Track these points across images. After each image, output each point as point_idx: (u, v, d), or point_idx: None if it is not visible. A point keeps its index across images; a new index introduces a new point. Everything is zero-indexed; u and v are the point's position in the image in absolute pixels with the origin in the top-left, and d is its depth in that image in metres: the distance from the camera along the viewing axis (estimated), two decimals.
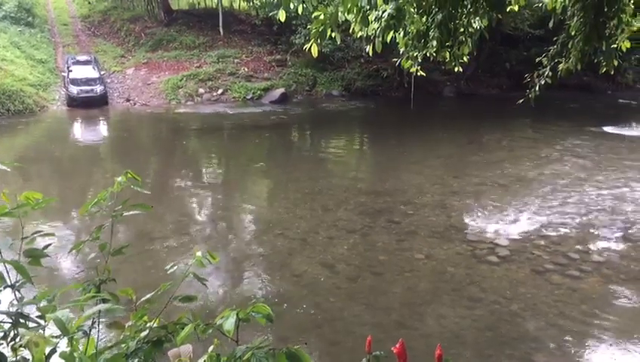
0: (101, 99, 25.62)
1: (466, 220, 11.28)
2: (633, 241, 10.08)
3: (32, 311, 1.94)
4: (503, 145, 18.95)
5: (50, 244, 2.24)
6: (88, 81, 25.60)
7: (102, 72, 27.56)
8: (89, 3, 36.56)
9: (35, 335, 1.61)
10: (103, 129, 23.73)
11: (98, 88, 25.69)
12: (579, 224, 10.92)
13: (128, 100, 27.13)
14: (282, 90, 28.79)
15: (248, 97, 28.40)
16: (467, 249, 9.84)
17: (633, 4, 6.56)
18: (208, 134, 22.44)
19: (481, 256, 9.50)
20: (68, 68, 26.35)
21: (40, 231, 2.20)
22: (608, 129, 20.75)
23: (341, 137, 22.52)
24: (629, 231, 10.58)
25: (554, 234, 10.43)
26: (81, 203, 2.33)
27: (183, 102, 27.39)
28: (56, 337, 1.78)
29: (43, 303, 1.91)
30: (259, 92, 28.71)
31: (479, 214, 11.52)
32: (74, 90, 25.15)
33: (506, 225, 10.87)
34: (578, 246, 9.84)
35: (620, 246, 9.90)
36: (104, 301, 2.00)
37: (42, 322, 1.88)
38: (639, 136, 20.31)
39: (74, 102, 25.08)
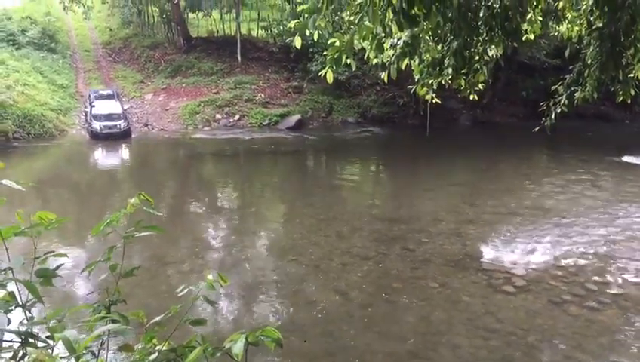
0: (124, 135, 24.89)
1: (482, 249, 11.17)
2: None
3: (42, 331, 1.94)
4: (520, 174, 18.82)
5: (61, 265, 2.24)
6: (111, 117, 24.78)
7: (125, 107, 26.95)
8: (110, 30, 37.33)
9: (41, 354, 1.60)
10: (120, 153, 23.95)
11: (122, 124, 24.85)
12: (597, 254, 10.74)
13: (146, 125, 27.43)
14: (298, 116, 28.95)
15: (265, 123, 28.59)
16: (483, 278, 9.71)
17: None
18: (224, 159, 22.59)
19: (497, 286, 9.37)
20: (90, 103, 25.59)
21: (53, 252, 2.21)
22: (627, 159, 20.52)
23: (356, 164, 22.54)
24: None
25: (571, 264, 10.27)
26: (96, 225, 2.34)
27: (200, 128, 27.64)
28: (64, 358, 1.77)
29: (52, 323, 1.91)
30: (275, 118, 28.89)
31: (495, 243, 11.40)
32: (97, 126, 24.32)
33: (523, 254, 10.73)
34: (596, 277, 9.67)
35: (639, 278, 9.72)
36: (114, 322, 1.99)
37: (51, 342, 1.87)
38: None
39: (97, 138, 24.35)
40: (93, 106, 25.19)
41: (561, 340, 7.63)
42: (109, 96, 26.48)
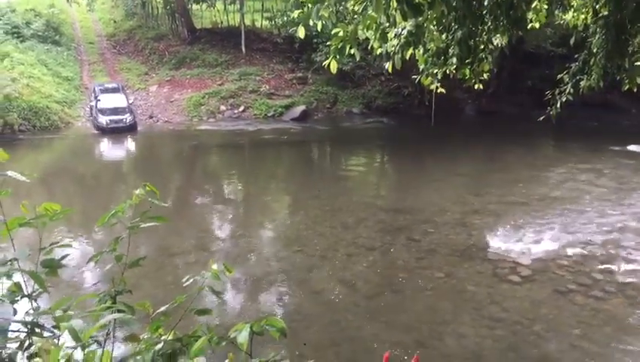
0: (130, 128, 24.76)
1: (487, 239, 11.15)
2: None
3: (47, 321, 1.96)
4: (525, 164, 18.75)
5: (67, 255, 2.25)
6: (117, 111, 24.59)
7: (130, 100, 26.73)
8: (114, 22, 37.31)
9: (47, 343, 1.62)
10: (126, 145, 23.98)
11: (128, 118, 24.70)
12: (602, 244, 10.72)
13: (151, 117, 27.47)
14: (303, 107, 28.92)
15: (269, 114, 28.58)
16: (488, 268, 9.72)
17: None
18: (229, 151, 22.61)
19: (503, 276, 9.37)
20: (96, 97, 25.37)
21: (58, 242, 2.22)
22: (632, 148, 20.41)
23: (361, 155, 22.52)
24: None
25: (577, 253, 10.25)
26: (101, 216, 2.35)
27: (204, 120, 27.66)
28: (70, 347, 1.79)
29: (58, 313, 1.92)
30: (280, 109, 28.87)
31: (500, 233, 11.39)
32: (103, 120, 24.20)
33: (528, 244, 10.72)
34: (602, 267, 9.65)
35: None
36: (119, 312, 2.00)
37: (57, 332, 1.89)
38: None
39: (103, 132, 24.23)
40: (99, 100, 25.00)
41: (566, 329, 7.63)
42: (114, 90, 26.31)
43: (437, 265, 9.88)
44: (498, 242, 10.90)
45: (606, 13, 6.25)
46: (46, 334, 1.89)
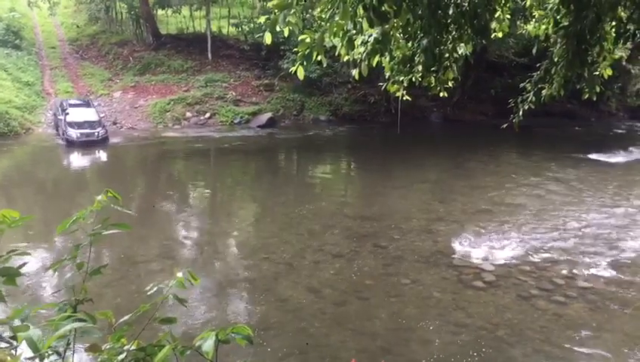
0: (102, 142, 23.49)
1: (452, 245, 11.27)
2: (617, 267, 10.12)
3: (5, 331, 1.89)
4: (489, 171, 19.06)
5: (25, 263, 2.18)
6: (87, 124, 23.44)
7: (101, 115, 25.68)
8: (77, 27, 36.64)
9: (3, 354, 1.56)
10: (88, 152, 23.39)
11: (100, 131, 23.45)
12: (564, 249, 10.95)
13: (115, 123, 26.98)
14: (270, 114, 28.86)
15: (236, 121, 28.42)
16: (453, 274, 9.82)
17: (614, 32, 6.68)
18: (194, 158, 22.38)
19: (467, 282, 9.48)
20: (64, 111, 24.02)
21: (16, 250, 2.15)
22: (592, 155, 20.98)
23: (328, 162, 22.56)
24: (614, 257, 10.62)
25: (539, 259, 10.45)
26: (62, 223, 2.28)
27: (170, 126, 27.34)
28: (29, 358, 1.73)
29: (16, 322, 1.86)
30: (246, 116, 28.75)
31: (465, 239, 11.52)
32: (73, 133, 22.86)
33: (492, 250, 10.87)
34: (563, 272, 9.86)
35: (605, 272, 9.92)
36: (80, 321, 1.94)
37: (14, 342, 1.82)
38: (622, 162, 20.52)
39: (72, 145, 22.93)
40: (67, 114, 23.80)
41: (530, 334, 7.76)
42: (83, 104, 25.32)
43: (403, 272, 9.95)
44: (463, 248, 11.03)
45: (566, 23, 6.40)
46: (3, 344, 1.83)
